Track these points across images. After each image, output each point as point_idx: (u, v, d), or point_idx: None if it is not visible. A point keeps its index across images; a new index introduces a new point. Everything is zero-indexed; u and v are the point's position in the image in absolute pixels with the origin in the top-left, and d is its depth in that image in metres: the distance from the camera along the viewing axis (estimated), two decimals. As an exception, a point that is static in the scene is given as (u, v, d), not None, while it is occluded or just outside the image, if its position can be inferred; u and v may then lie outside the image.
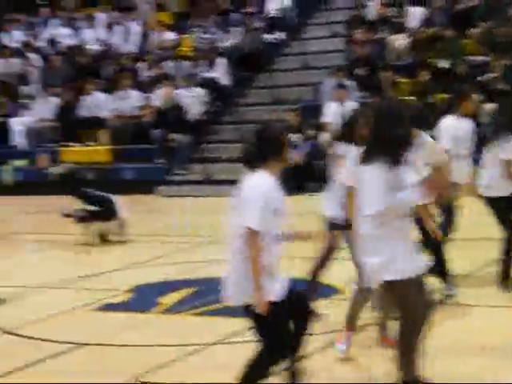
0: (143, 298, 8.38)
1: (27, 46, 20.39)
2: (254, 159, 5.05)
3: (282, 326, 5.03)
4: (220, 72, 17.82)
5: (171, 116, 16.61)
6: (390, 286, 5.09)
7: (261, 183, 5.01)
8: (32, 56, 20.03)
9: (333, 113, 15.65)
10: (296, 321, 5.14)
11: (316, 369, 5.66)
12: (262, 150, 5.04)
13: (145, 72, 18.57)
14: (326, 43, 18.68)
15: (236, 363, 5.58)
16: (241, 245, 5.01)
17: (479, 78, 15.33)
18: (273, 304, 4.92)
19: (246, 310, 5.02)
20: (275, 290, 4.96)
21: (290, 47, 19.14)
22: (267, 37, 18.76)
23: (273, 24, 19.09)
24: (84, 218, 11.46)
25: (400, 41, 17.21)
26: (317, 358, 6.06)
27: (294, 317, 5.13)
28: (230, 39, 18.81)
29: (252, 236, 4.93)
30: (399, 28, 17.44)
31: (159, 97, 17.16)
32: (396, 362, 5.21)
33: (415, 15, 17.59)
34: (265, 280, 4.92)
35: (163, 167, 16.59)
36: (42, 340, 7.21)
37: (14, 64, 20.08)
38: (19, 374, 6.44)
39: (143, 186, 15.94)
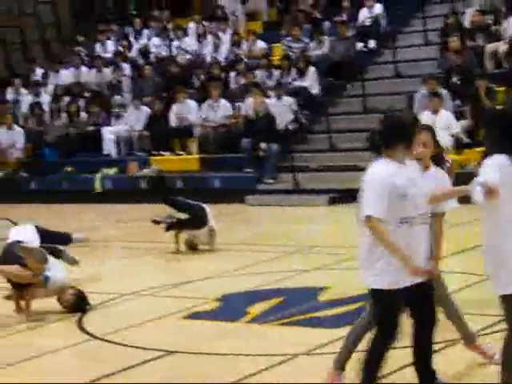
0: (231, 307, 8.33)
1: (120, 55, 20.70)
2: (379, 146, 5.14)
3: (393, 313, 5.09)
4: (310, 81, 17.73)
5: (261, 125, 16.59)
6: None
7: (380, 170, 5.06)
8: (124, 66, 20.34)
9: (426, 122, 15.39)
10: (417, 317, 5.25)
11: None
12: (389, 136, 5.13)
13: (235, 81, 18.62)
14: (420, 51, 18.35)
15: (324, 374, 5.49)
16: (365, 232, 5.07)
17: None
18: (388, 291, 5.03)
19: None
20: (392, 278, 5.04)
21: (383, 56, 18.91)
22: (359, 45, 18.60)
23: (365, 32, 18.90)
24: (173, 226, 11.48)
25: (496, 48, 16.83)
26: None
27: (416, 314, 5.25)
28: (321, 48, 18.71)
29: (371, 222, 4.96)
30: (495, 36, 17.05)
31: (249, 106, 17.17)
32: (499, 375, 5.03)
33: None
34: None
35: (252, 176, 16.57)
36: (131, 347, 7.25)
37: (107, 74, 20.43)
38: (108, 380, 6.48)
39: (232, 194, 15.92)
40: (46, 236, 9.57)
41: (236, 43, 19.68)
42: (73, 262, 9.77)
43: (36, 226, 9.56)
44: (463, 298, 7.24)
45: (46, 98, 20.55)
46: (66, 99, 20.01)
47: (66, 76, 21.09)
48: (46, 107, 20.21)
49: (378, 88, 17.71)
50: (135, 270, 10.87)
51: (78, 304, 8.52)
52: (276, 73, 18.31)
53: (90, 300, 8.64)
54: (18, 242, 8.84)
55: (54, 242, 9.68)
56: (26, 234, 9.18)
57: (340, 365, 5.72)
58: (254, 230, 13.62)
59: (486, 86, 15.50)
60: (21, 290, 8.56)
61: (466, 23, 17.79)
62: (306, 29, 19.42)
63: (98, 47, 21.95)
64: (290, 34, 19.37)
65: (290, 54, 18.73)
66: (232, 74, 18.70)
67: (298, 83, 17.76)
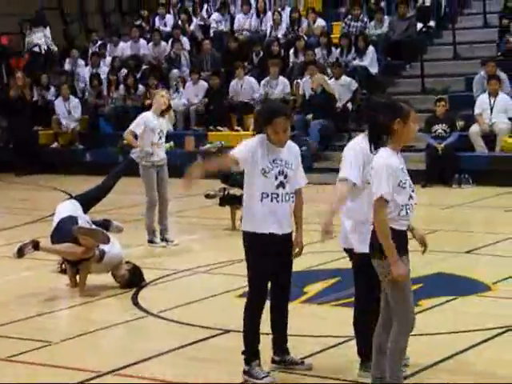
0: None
1: (179, 29, 20.70)
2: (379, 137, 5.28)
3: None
4: (369, 60, 17.60)
5: (319, 102, 16.51)
6: None
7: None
8: (183, 40, 20.35)
9: (484, 105, 15.25)
10: None
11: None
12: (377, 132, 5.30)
13: (294, 58, 18.54)
14: (479, 34, 18.25)
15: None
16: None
17: None
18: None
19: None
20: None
21: (442, 37, 18.73)
22: (419, 26, 18.40)
23: (425, 13, 18.71)
24: (227, 201, 11.49)
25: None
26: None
27: None
28: (381, 27, 18.54)
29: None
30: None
31: (308, 83, 17.08)
32: None
33: None
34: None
35: (304, 154, 16.51)
36: (186, 324, 7.29)
37: (165, 47, 20.45)
38: (161, 357, 6.50)
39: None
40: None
41: (295, 20, 19.58)
42: (118, 230, 9.49)
43: (78, 200, 9.12)
44: None
45: (104, 70, 20.66)
46: (124, 71, 20.11)
47: (124, 48, 21.15)
48: (103, 79, 20.34)
49: (436, 69, 17.59)
50: (190, 246, 10.90)
51: (132, 280, 8.50)
52: (335, 51, 18.21)
53: (145, 276, 8.67)
54: (71, 217, 8.58)
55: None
56: (74, 209, 8.81)
57: None
58: (307, 209, 13.56)
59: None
60: (75, 265, 8.50)
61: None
62: (366, 8, 19.27)
63: (157, 20, 21.99)
64: (349, 13, 19.23)
65: (350, 32, 18.60)
66: (291, 52, 18.63)
67: (356, 62, 17.65)
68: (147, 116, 10.71)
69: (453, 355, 6.15)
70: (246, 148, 5.88)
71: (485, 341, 6.51)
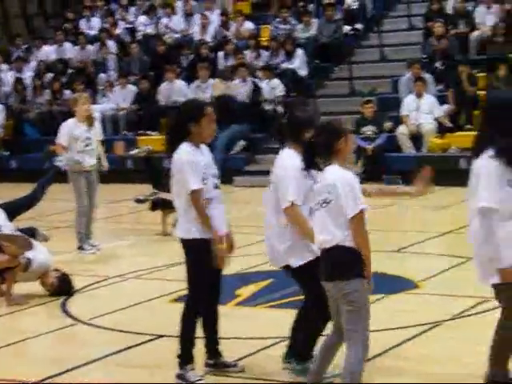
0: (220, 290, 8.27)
1: (105, 33, 20.49)
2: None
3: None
4: (298, 63, 17.68)
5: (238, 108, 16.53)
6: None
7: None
8: (110, 43, 20.14)
9: (410, 106, 15.46)
10: None
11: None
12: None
13: (223, 61, 18.49)
14: (404, 36, 18.55)
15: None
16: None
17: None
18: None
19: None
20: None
21: (369, 39, 18.94)
22: (346, 28, 18.56)
23: (351, 15, 18.89)
24: (157, 206, 11.41)
25: (478, 35, 16.98)
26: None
27: None
28: (309, 30, 18.64)
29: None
30: (477, 22, 17.25)
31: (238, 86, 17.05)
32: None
33: (493, 10, 17.32)
34: None
35: (242, 157, 16.58)
36: (117, 331, 7.19)
37: (91, 51, 20.22)
38: (92, 365, 6.40)
39: (222, 175, 15.89)
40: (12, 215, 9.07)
41: (224, 23, 19.55)
42: (44, 239, 9.36)
43: (3, 208, 8.97)
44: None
45: (28, 75, 20.33)
46: (49, 76, 19.80)
47: (49, 52, 20.87)
48: (28, 84, 20.00)
49: (364, 71, 17.79)
50: (121, 252, 10.79)
51: (62, 287, 8.37)
52: (264, 54, 18.24)
53: (75, 283, 8.53)
54: None
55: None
56: None
57: None
58: (243, 211, 13.58)
59: (469, 71, 15.62)
60: (0, 274, 8.28)
61: (449, 9, 17.98)
62: (294, 10, 19.36)
63: (82, 23, 21.72)
64: (277, 16, 19.29)
65: (278, 35, 18.65)
66: (220, 55, 18.59)
67: (285, 65, 17.70)
68: (69, 124, 10.54)
69: (384, 352, 6.18)
70: None
71: (414, 337, 6.57)
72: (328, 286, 5.12)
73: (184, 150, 5.81)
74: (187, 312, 5.93)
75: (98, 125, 11.08)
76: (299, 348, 5.80)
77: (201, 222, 5.76)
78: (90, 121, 10.58)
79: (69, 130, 10.47)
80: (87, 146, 10.49)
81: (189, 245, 5.85)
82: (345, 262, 5.02)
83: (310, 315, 5.73)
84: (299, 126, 5.65)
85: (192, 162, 5.77)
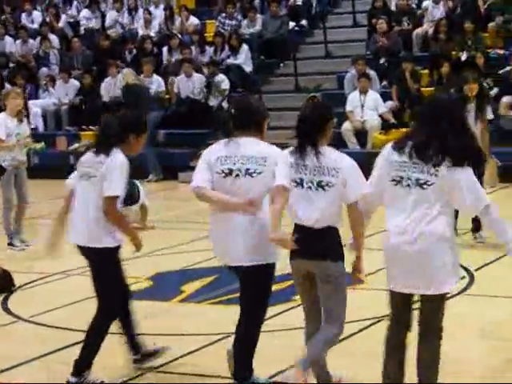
0: (165, 286, 8.23)
1: (47, 27, 20.19)
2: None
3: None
4: (243, 58, 17.62)
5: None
6: None
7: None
8: (52, 37, 19.86)
9: (355, 102, 15.53)
10: None
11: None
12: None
13: (168, 57, 18.35)
14: (349, 33, 18.67)
15: (261, 352, 5.43)
16: None
17: (500, 72, 15.36)
18: None
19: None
20: None
21: (314, 36, 19.00)
22: (291, 24, 18.59)
23: (296, 11, 18.93)
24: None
25: (422, 32, 17.24)
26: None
27: None
28: (254, 26, 18.61)
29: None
30: (420, 19, 17.53)
31: (184, 81, 16.92)
32: None
33: (437, 7, 17.58)
34: None
35: (186, 152, 16.45)
36: (60, 328, 7.08)
37: (33, 45, 19.92)
38: (32, 363, 6.30)
39: (165, 171, 15.87)
40: None
41: (168, 18, 19.41)
42: None
43: None
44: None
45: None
46: (-11, 70, 19.47)
47: (-12, 46, 20.51)
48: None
49: (309, 67, 17.84)
50: (63, 248, 10.59)
51: (2, 284, 8.25)
52: (209, 49, 18.16)
53: (15, 280, 8.40)
54: None
55: None
56: None
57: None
58: (187, 207, 13.50)
59: (412, 68, 15.78)
60: None
61: (393, 6, 18.21)
62: (238, 6, 19.31)
63: (24, 17, 21.38)
64: (223, 11, 19.22)
65: (223, 30, 18.59)
66: (164, 50, 18.45)
67: (230, 61, 17.64)
68: (2, 119, 10.33)
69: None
70: None
71: (360, 331, 6.57)
72: (305, 264, 5.12)
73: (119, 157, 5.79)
74: (103, 321, 5.89)
75: (35, 120, 10.94)
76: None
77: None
78: (19, 116, 10.39)
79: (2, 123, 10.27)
80: (18, 141, 10.32)
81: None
82: (336, 244, 5.16)
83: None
84: (261, 115, 5.42)
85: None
